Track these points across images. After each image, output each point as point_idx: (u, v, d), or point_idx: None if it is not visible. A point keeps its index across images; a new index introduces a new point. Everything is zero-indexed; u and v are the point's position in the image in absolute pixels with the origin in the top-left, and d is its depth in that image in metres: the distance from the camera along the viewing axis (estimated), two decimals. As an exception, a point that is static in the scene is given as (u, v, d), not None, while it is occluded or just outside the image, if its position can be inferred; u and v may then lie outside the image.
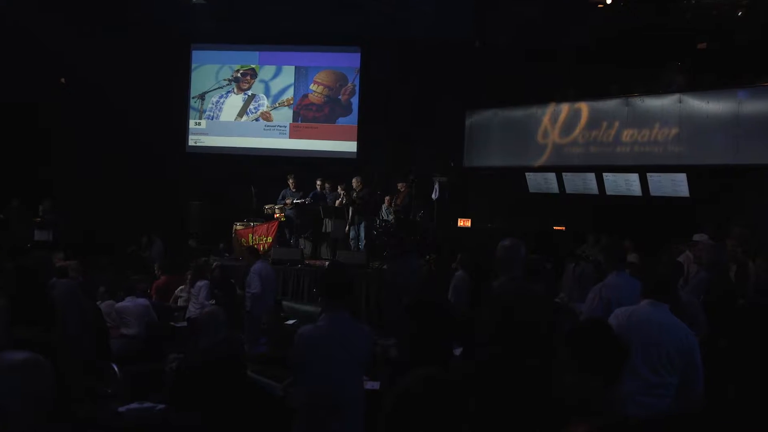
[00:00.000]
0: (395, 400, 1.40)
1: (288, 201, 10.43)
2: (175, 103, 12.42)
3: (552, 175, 10.08)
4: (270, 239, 9.85)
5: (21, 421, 1.67)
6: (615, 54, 9.09)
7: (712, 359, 3.34)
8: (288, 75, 12.65)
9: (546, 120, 10.22)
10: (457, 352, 3.77)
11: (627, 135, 9.28)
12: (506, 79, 10.37)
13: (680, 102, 8.77)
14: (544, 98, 10.27)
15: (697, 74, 8.95)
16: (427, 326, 2.11)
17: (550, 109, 10.18)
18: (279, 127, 12.62)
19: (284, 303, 8.48)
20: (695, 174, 8.61)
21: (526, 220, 9.67)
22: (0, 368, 1.71)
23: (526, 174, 10.38)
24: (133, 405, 3.74)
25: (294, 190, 10.55)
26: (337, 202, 10.30)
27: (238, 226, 10.32)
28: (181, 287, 7.84)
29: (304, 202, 10.33)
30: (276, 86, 12.68)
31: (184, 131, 12.70)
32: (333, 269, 3.29)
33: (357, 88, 12.36)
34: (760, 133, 7.96)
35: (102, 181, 10.92)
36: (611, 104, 9.54)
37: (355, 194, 10.15)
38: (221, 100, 12.79)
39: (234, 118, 12.76)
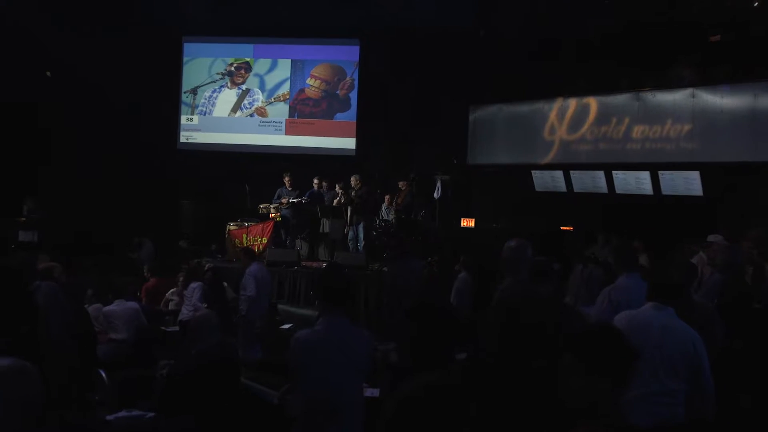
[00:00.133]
0: (396, 407, 1.41)
1: (284, 200, 10.44)
2: (166, 98, 12.40)
3: (559, 173, 10.09)
4: (265, 240, 9.86)
5: (8, 429, 1.68)
6: (625, 46, 9.09)
7: (726, 363, 3.33)
8: (284, 69, 12.66)
9: (553, 115, 10.23)
10: (460, 356, 3.77)
11: (638, 131, 9.28)
12: (512, 73, 10.38)
13: (693, 96, 8.77)
14: (551, 93, 10.28)
15: (710, 67, 8.95)
16: (429, 330, 2.11)
17: (558, 104, 10.19)
18: (274, 123, 12.62)
19: (280, 307, 8.49)
20: (709, 172, 8.61)
21: (532, 220, 9.68)
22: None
23: (533, 172, 10.38)
24: (122, 413, 3.74)
25: (290, 188, 10.57)
26: (335, 201, 10.31)
27: (232, 227, 10.33)
28: (172, 290, 7.83)
29: (301, 201, 10.34)
30: (271, 80, 12.69)
31: (175, 127, 12.70)
32: (330, 271, 3.29)
33: (356, 83, 12.36)
34: (778, 128, 7.99)
35: (89, 179, 10.90)
36: (621, 99, 9.54)
37: (353, 193, 10.16)
38: (214, 95, 12.80)
39: (227, 113, 12.77)
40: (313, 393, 2.91)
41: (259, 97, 12.71)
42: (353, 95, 12.41)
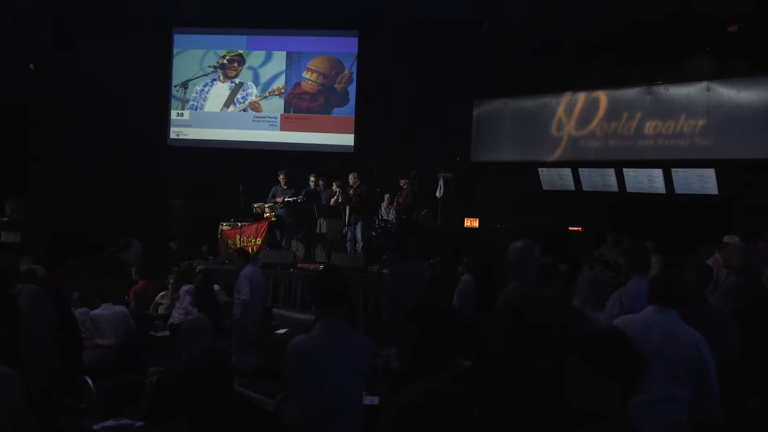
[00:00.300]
0: (396, 413, 1.42)
1: (279, 199, 10.45)
2: (155, 92, 12.42)
3: (567, 171, 10.09)
4: (259, 241, 9.86)
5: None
6: (637, 38, 9.08)
7: (735, 365, 3.35)
8: (279, 61, 12.67)
9: (561, 110, 10.23)
10: (463, 362, 3.78)
11: (650, 127, 9.29)
12: (517, 66, 10.36)
13: (708, 90, 8.78)
14: (558, 87, 10.29)
15: (727, 60, 8.95)
16: (430, 333, 2.11)
17: (566, 98, 10.19)
18: (269, 119, 12.64)
19: (275, 310, 8.49)
20: (725, 169, 8.62)
21: (538, 219, 9.67)
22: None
23: (539, 169, 10.39)
24: (109, 422, 3.75)
25: (285, 187, 10.57)
26: (333, 200, 10.32)
27: (225, 227, 10.34)
28: (162, 293, 7.84)
29: (297, 200, 10.34)
30: (266, 74, 12.70)
31: (165, 123, 12.71)
32: (328, 273, 3.31)
33: (354, 76, 12.38)
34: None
35: (74, 178, 10.91)
36: (632, 93, 9.55)
37: (351, 192, 10.16)
38: (206, 89, 12.81)
39: (220, 108, 12.78)
40: (309, 400, 2.92)
41: (253, 91, 12.72)
42: (351, 89, 12.42)
